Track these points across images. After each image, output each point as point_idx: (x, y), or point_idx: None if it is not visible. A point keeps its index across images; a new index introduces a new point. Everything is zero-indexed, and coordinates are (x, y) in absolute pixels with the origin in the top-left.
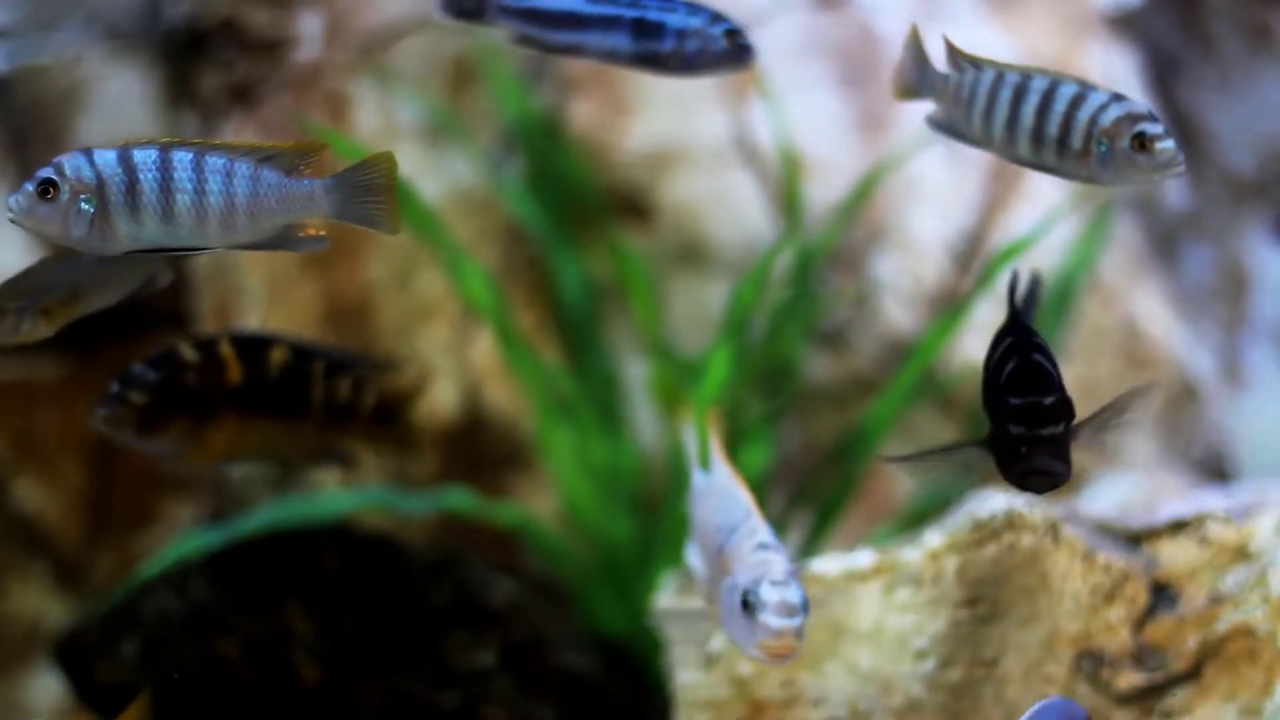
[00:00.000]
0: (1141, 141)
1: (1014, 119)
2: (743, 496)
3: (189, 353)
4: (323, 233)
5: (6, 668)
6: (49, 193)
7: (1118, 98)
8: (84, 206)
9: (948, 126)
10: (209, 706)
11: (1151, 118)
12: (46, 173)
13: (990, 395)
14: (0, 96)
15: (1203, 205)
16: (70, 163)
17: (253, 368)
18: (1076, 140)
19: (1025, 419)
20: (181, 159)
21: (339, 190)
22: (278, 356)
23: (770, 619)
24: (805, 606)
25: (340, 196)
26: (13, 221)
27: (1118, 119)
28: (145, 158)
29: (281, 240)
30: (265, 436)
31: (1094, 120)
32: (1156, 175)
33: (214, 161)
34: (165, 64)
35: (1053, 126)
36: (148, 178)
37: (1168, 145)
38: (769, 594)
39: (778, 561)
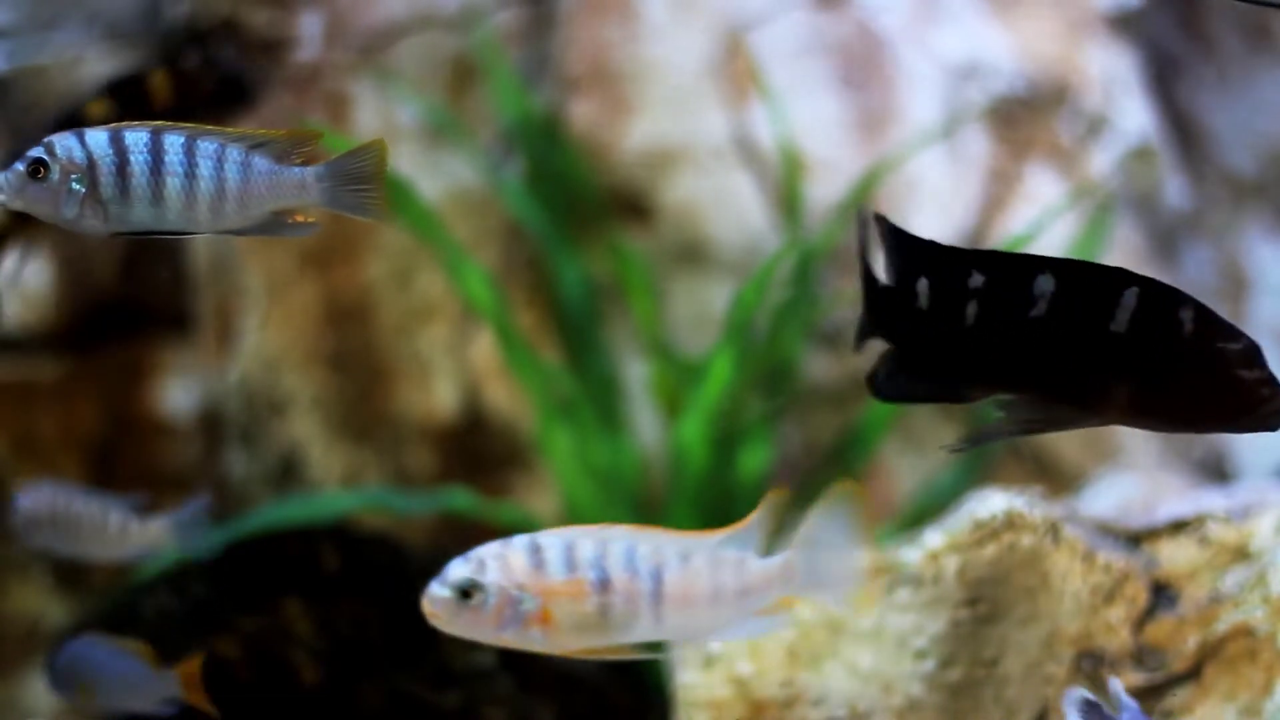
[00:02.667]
0: None
1: None
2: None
3: None
4: (313, 219)
5: (6, 668)
6: (40, 172)
7: None
8: (74, 187)
9: None
10: None
11: None
12: (37, 152)
13: (1167, 346)
14: (0, 96)
15: (1203, 205)
16: (62, 143)
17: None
18: None
19: (1252, 361)
20: (173, 142)
21: (330, 178)
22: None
23: (431, 583)
24: (469, 590)
25: (331, 184)
26: (1, 201)
27: None
28: (136, 140)
29: (271, 227)
30: None
31: None
32: None
33: (205, 146)
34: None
35: None
36: (138, 160)
37: None
38: (449, 565)
39: (488, 548)
